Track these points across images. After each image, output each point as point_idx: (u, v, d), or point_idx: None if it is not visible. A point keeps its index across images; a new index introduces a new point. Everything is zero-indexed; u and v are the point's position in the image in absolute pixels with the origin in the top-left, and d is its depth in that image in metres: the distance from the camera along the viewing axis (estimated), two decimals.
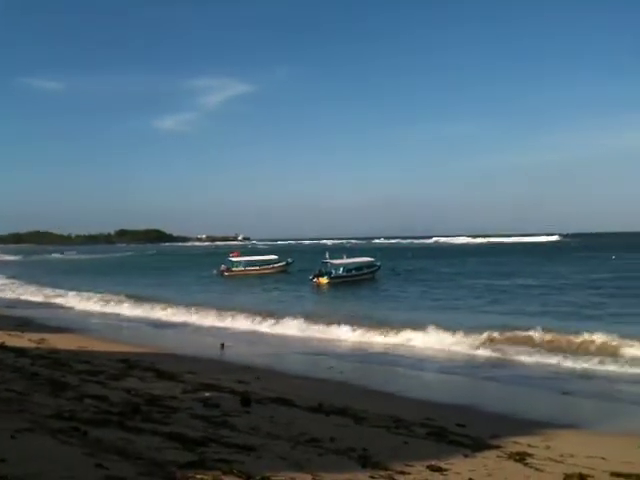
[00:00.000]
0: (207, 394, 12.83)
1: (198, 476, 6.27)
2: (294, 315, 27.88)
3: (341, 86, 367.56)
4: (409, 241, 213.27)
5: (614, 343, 18.86)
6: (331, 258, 54.93)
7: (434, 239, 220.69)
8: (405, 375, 17.86)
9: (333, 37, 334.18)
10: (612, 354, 18.18)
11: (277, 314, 28.97)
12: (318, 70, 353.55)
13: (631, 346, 18.30)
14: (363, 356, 20.71)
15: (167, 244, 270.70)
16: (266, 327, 27.10)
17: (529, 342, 20.29)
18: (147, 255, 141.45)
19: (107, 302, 37.48)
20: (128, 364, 16.55)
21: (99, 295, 40.18)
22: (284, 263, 71.89)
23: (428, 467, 8.23)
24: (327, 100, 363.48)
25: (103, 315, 33.58)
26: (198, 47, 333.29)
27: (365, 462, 8.18)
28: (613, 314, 28.23)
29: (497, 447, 9.94)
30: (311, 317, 27.58)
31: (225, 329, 27.35)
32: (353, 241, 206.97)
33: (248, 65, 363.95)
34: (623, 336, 19.31)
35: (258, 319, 28.24)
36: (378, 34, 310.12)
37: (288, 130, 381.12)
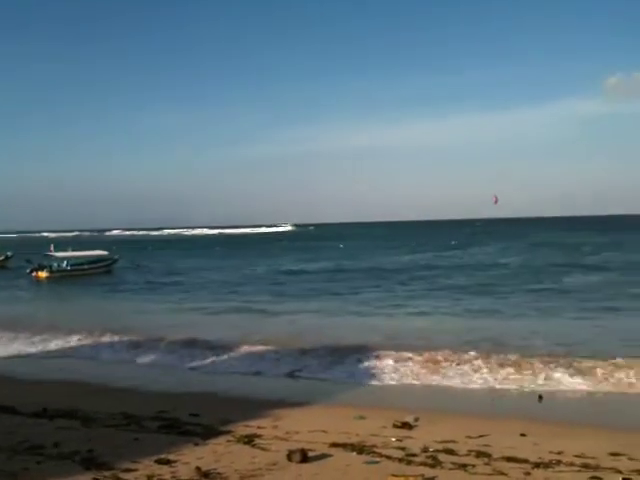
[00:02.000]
0: None
1: None
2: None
3: (57, 68, 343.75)
4: (144, 233, 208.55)
5: None
6: (56, 251, 51.42)
7: (167, 231, 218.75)
8: (141, 370, 17.34)
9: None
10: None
11: None
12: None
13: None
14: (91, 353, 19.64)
15: None
16: None
17: None
18: None
19: None
20: None
21: None
22: (2, 257, 65.72)
23: (156, 461, 8.15)
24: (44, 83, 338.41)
25: None
26: None
27: (89, 464, 7.85)
28: None
29: (228, 432, 10.15)
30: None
31: None
32: (86, 233, 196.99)
33: None
34: None
35: None
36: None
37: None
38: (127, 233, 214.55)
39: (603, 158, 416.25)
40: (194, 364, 17.24)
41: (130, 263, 59.45)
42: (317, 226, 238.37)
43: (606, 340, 18.37)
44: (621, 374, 14.29)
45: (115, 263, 55.46)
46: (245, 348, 18.47)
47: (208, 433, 10.03)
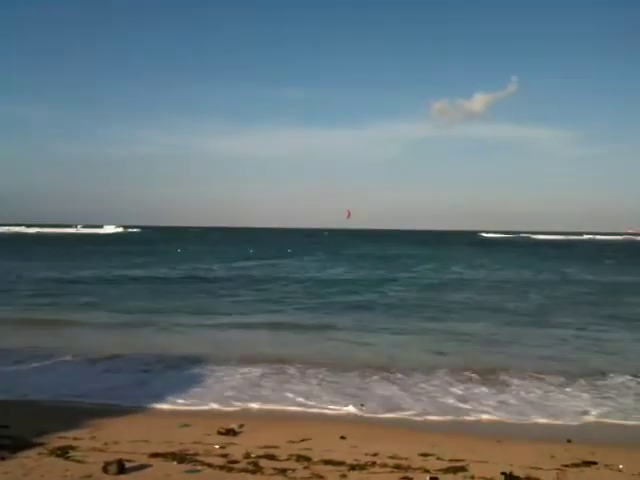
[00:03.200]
0: None
1: None
2: None
3: None
4: None
5: None
6: None
7: None
8: None
9: None
10: None
11: None
12: None
13: None
14: None
15: None
16: None
17: None
18: None
19: None
20: None
21: None
22: None
23: None
24: None
25: None
26: None
27: None
28: None
29: (41, 444, 9.58)
30: None
31: None
32: None
33: None
34: None
35: None
36: None
37: None
38: None
39: (428, 178, 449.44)
40: (4, 372, 16.01)
41: None
42: (151, 228, 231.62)
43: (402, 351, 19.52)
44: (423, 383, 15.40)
45: None
46: (63, 358, 17.50)
47: (18, 446, 9.40)
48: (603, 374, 16.28)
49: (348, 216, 51.94)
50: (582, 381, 15.56)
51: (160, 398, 13.69)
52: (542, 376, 16.10)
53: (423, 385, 15.16)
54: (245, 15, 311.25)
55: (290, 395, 14.14)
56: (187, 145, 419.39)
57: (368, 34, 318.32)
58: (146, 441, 10.05)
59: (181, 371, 16.28)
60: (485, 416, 12.87)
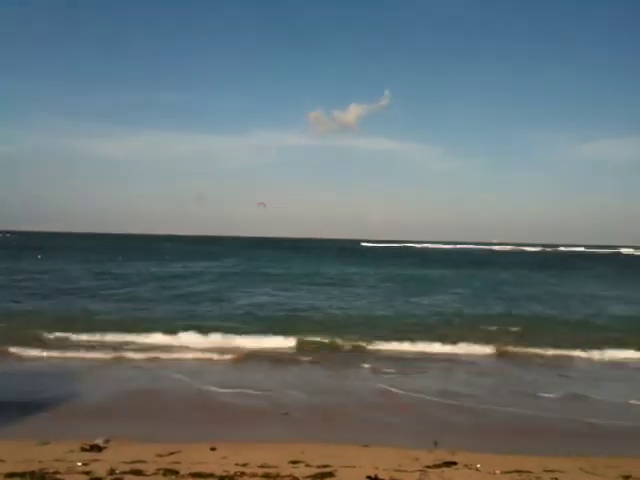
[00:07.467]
0: None
1: None
2: None
3: None
4: None
5: None
6: None
7: None
8: None
9: None
10: None
11: None
12: None
13: None
14: None
15: None
16: None
17: None
18: None
19: None
20: None
21: None
22: None
23: None
24: None
25: None
26: None
27: None
28: None
29: None
30: None
31: None
32: None
33: None
34: None
35: None
36: None
37: None
38: None
39: (304, 186, 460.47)
40: None
41: None
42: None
43: None
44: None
45: None
46: None
47: None
48: None
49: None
50: None
51: (17, 414, 12.87)
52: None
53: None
54: (127, 17, 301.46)
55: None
56: (60, 146, 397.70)
57: (248, 39, 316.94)
58: (2, 461, 9.47)
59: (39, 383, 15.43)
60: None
